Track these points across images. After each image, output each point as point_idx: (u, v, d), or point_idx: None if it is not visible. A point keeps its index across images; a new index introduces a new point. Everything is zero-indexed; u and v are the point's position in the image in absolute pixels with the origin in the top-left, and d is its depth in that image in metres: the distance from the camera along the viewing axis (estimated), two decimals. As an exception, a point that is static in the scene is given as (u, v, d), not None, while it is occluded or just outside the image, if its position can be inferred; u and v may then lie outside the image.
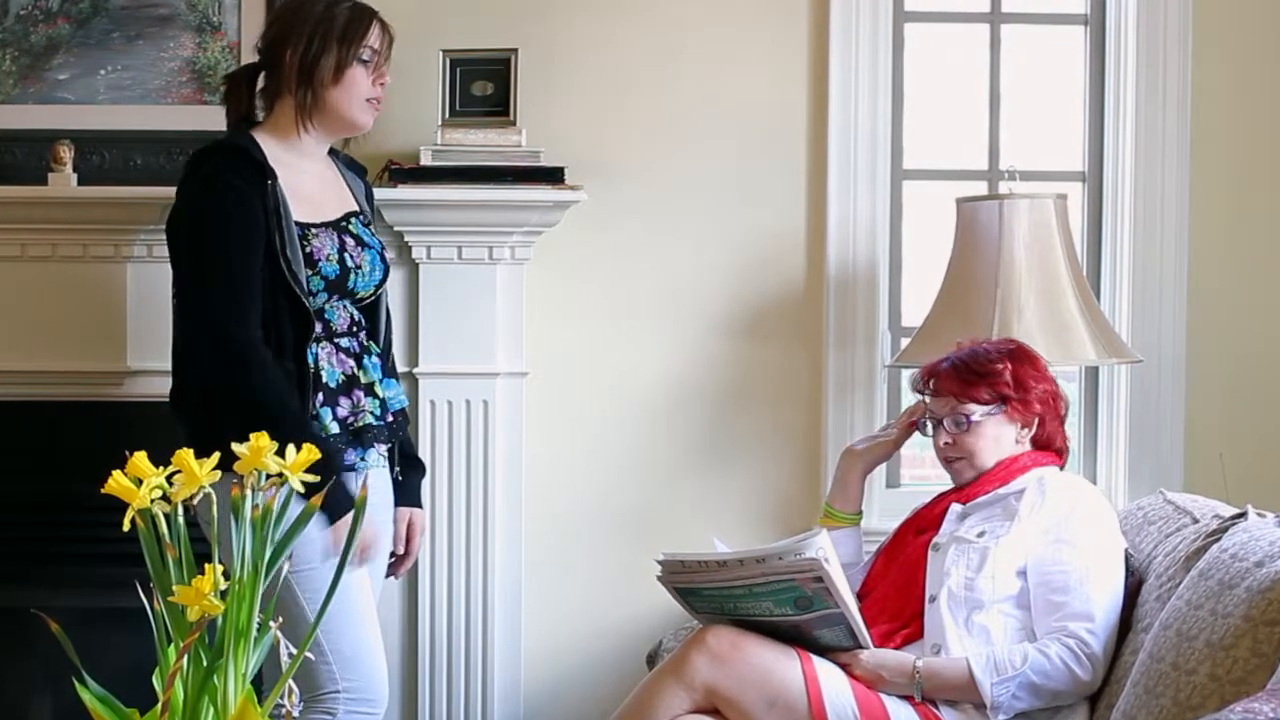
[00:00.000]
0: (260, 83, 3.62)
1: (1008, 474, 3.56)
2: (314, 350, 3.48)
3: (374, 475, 3.58)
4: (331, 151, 3.72)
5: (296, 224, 3.48)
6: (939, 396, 3.62)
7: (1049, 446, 3.63)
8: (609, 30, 4.41)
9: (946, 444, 3.61)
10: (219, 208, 3.43)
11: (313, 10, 3.57)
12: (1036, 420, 3.60)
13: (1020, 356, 3.62)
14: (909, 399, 4.55)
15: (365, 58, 3.56)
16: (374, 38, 3.58)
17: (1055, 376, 3.68)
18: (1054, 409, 3.63)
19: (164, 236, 3.82)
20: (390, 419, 3.63)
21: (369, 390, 3.57)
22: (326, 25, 3.54)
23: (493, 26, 4.32)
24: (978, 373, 3.58)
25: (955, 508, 3.57)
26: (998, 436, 3.58)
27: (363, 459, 3.54)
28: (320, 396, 3.47)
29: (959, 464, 3.61)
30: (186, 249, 3.49)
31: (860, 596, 3.56)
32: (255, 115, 3.63)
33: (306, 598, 3.25)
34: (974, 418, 3.56)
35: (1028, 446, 3.61)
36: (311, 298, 3.47)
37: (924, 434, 3.70)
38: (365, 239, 3.63)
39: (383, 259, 3.66)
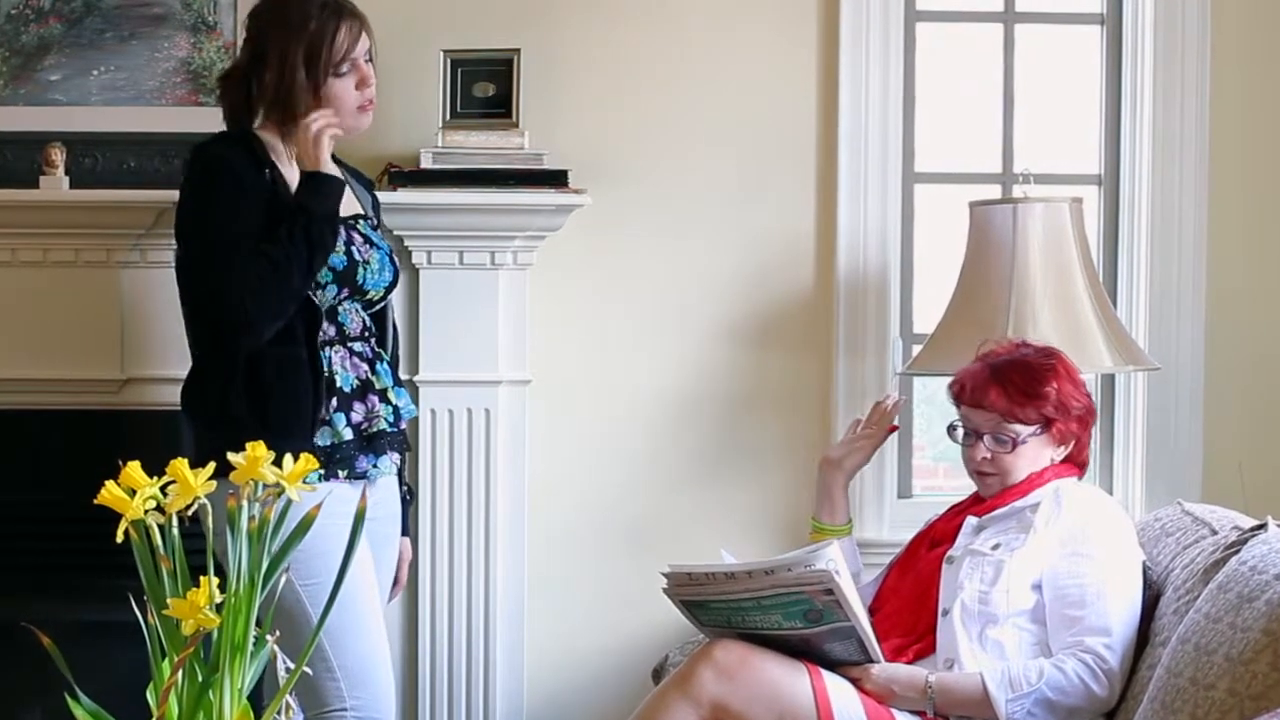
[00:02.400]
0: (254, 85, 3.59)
1: (1026, 486, 3.55)
2: (327, 354, 3.48)
3: (384, 483, 3.58)
4: (338, 161, 3.71)
5: None
6: (980, 409, 3.58)
7: (1074, 460, 3.62)
8: (613, 30, 4.41)
9: (984, 459, 3.59)
10: (217, 189, 3.42)
11: (280, 26, 3.50)
12: (1074, 441, 3.59)
13: (1064, 374, 3.58)
14: (922, 408, 4.56)
15: (343, 71, 3.51)
16: (344, 45, 3.50)
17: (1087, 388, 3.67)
18: (1087, 421, 3.62)
19: (159, 241, 3.83)
20: (403, 427, 3.64)
21: (383, 396, 3.57)
22: (294, 48, 3.47)
23: (494, 26, 4.33)
24: (1027, 393, 3.54)
25: (970, 520, 3.56)
26: (1036, 456, 3.56)
27: (375, 465, 3.54)
28: (334, 401, 3.47)
29: (992, 479, 3.59)
30: (191, 232, 3.46)
31: (872, 611, 3.56)
32: (255, 117, 3.59)
33: (315, 613, 3.25)
34: (1020, 440, 3.54)
35: (1058, 461, 3.60)
36: (321, 290, 3.48)
37: (955, 440, 3.66)
38: (373, 239, 3.63)
39: (392, 261, 3.66)
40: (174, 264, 3.56)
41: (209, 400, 3.46)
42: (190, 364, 3.55)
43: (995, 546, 3.45)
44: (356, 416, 3.50)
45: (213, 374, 3.47)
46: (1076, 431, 3.58)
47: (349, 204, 3.65)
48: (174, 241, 3.54)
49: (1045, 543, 3.43)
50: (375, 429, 3.54)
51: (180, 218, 3.50)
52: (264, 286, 3.34)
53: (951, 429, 3.66)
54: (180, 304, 3.54)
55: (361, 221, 3.63)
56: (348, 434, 3.48)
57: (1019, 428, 3.53)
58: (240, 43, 3.74)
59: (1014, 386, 3.55)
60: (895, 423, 3.95)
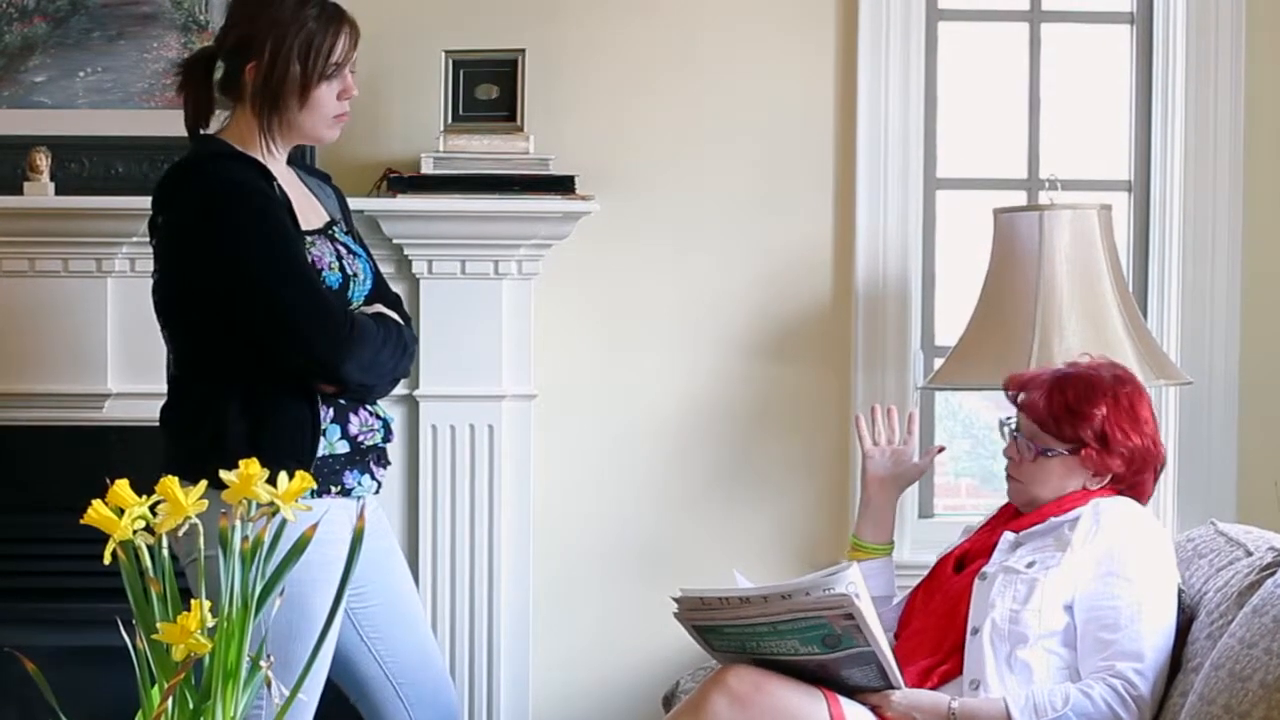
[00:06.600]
0: (218, 73, 3.52)
1: (1068, 503, 3.54)
2: None
3: (370, 501, 3.56)
4: (293, 163, 3.63)
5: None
6: (1024, 411, 3.58)
7: (1122, 485, 3.59)
8: (622, 30, 4.42)
9: (1012, 459, 3.59)
10: (247, 206, 3.38)
11: (277, 16, 3.46)
12: (1111, 476, 3.56)
13: (1123, 404, 3.53)
14: (944, 423, 4.56)
15: (331, 74, 3.48)
16: (342, 50, 3.49)
17: (1156, 428, 3.59)
18: (1141, 464, 3.57)
19: (148, 249, 3.81)
20: (390, 440, 3.62)
21: (372, 410, 3.55)
22: (290, 40, 3.44)
23: (498, 26, 4.33)
24: (1070, 407, 3.52)
25: (1008, 536, 3.55)
26: (1064, 475, 3.55)
27: (359, 483, 3.51)
28: (331, 412, 3.45)
29: (1016, 484, 3.60)
30: (231, 261, 3.38)
31: (896, 634, 3.56)
32: (209, 115, 3.53)
33: (289, 640, 3.24)
34: (1045, 452, 3.53)
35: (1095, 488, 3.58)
36: None
37: (1002, 436, 3.66)
38: (352, 246, 3.58)
39: (373, 267, 3.63)
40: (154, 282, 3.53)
41: (201, 422, 3.43)
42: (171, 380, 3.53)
43: (1030, 564, 3.44)
44: (353, 428, 3.48)
45: (205, 394, 3.44)
46: (1118, 469, 3.53)
47: (318, 212, 3.60)
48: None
49: (1080, 561, 3.41)
50: (371, 442, 3.53)
51: (191, 238, 3.42)
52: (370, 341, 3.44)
53: (1003, 424, 3.65)
54: (158, 317, 3.51)
55: (335, 228, 3.59)
56: (342, 448, 3.46)
57: (1050, 439, 3.53)
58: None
59: (1059, 397, 3.54)
60: (937, 448, 3.97)
